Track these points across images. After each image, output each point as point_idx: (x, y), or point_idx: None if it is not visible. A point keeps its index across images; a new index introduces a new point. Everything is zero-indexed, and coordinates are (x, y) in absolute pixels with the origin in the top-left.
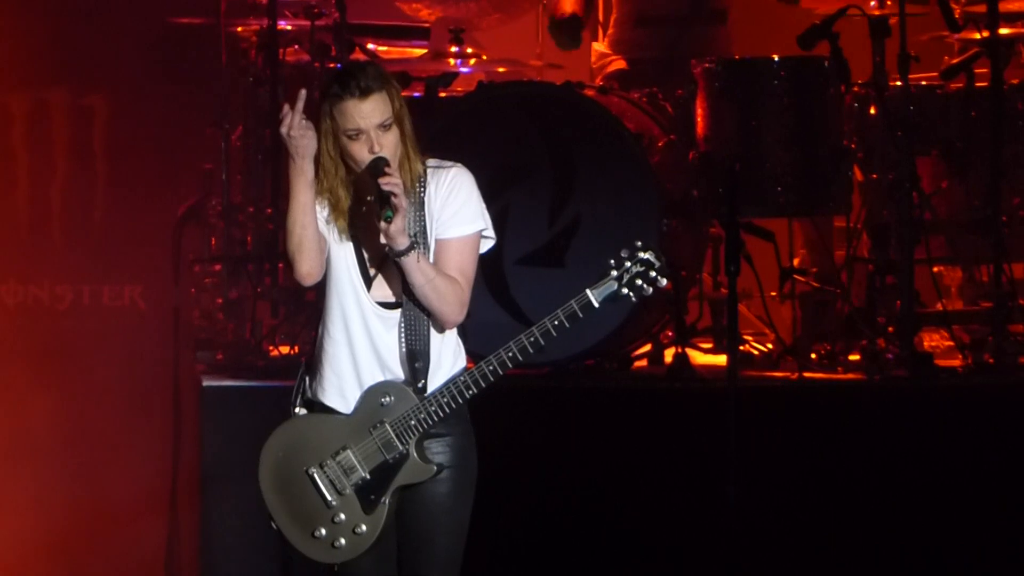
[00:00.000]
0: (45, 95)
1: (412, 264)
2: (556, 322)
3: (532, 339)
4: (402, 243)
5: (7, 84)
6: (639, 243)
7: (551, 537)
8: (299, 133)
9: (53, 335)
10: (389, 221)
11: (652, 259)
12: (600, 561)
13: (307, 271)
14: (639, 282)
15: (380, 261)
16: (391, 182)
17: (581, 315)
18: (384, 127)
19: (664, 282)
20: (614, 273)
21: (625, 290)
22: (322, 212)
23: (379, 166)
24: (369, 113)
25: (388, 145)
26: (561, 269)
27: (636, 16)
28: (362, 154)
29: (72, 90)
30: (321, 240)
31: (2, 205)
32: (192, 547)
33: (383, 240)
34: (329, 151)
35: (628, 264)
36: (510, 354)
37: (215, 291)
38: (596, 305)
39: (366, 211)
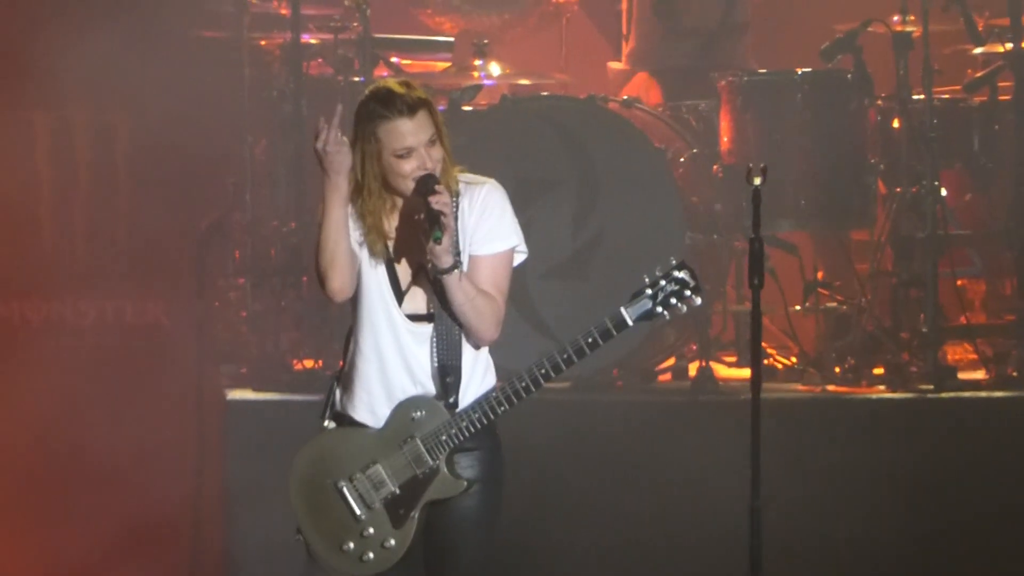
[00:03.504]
0: (68, 112)
1: (454, 282)
2: (590, 339)
3: (565, 356)
4: (447, 262)
5: (30, 101)
6: (674, 261)
7: (575, 550)
8: (335, 148)
9: (76, 352)
10: (439, 241)
11: (687, 278)
12: (621, 573)
13: (339, 287)
14: (673, 300)
15: (413, 275)
16: (441, 201)
17: (615, 333)
18: (432, 142)
19: (699, 301)
20: (649, 291)
21: (659, 308)
22: (356, 231)
23: (429, 184)
24: (418, 130)
25: (436, 159)
26: (584, 282)
27: (666, 29)
28: (411, 169)
29: (95, 107)
30: (353, 256)
31: (26, 222)
32: (216, 562)
33: (429, 258)
34: (373, 172)
35: (663, 282)
36: (543, 371)
37: (239, 305)
38: (631, 323)
39: (403, 226)
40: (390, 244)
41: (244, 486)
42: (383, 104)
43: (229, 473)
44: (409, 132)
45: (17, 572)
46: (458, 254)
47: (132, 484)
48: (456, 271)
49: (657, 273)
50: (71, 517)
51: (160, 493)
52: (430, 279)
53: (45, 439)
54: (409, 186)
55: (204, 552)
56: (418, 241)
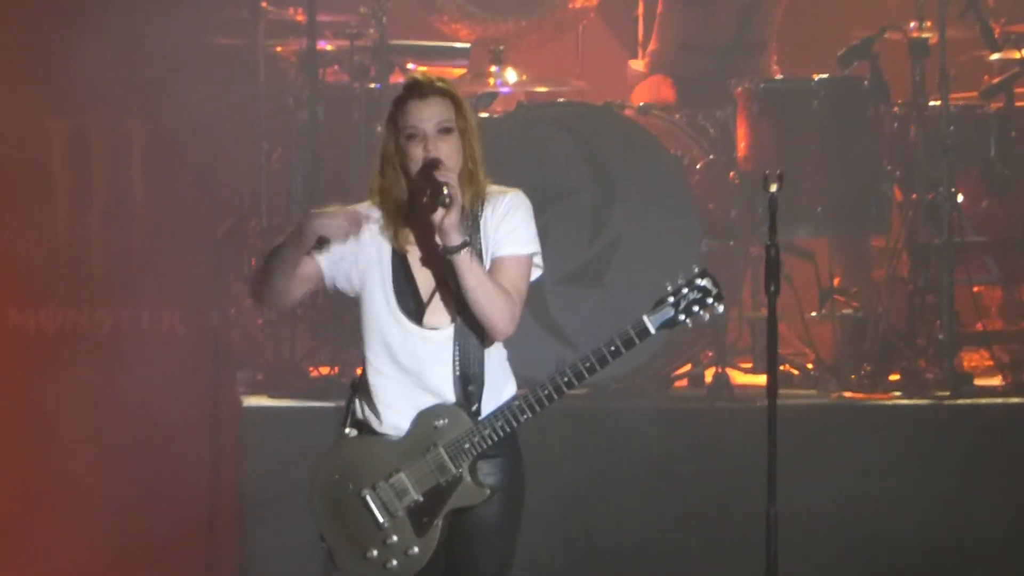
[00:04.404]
0: (84, 119)
1: (465, 263)
2: (612, 348)
3: (588, 365)
4: (456, 239)
5: (46, 110)
6: (696, 268)
7: (592, 555)
8: (348, 224)
9: (92, 360)
10: (447, 206)
11: (709, 286)
12: None
13: (260, 300)
14: (696, 308)
15: (434, 288)
16: (445, 174)
17: (637, 341)
18: (442, 131)
19: (721, 308)
20: (671, 300)
21: (682, 316)
22: (372, 224)
23: (433, 163)
24: (428, 114)
25: (444, 150)
26: (600, 288)
27: (680, 41)
28: (417, 153)
29: (111, 114)
30: (285, 288)
31: (41, 230)
32: (233, 569)
33: (438, 237)
34: (391, 159)
35: (685, 290)
36: (565, 379)
37: (255, 312)
38: (653, 331)
39: (421, 239)
40: (408, 256)
41: (260, 492)
42: (404, 88)
43: (245, 479)
44: (417, 113)
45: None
46: (468, 234)
47: (148, 490)
48: (466, 250)
49: (680, 281)
50: (85, 525)
51: (176, 499)
52: (452, 290)
53: (60, 446)
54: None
55: (220, 557)
56: (436, 253)
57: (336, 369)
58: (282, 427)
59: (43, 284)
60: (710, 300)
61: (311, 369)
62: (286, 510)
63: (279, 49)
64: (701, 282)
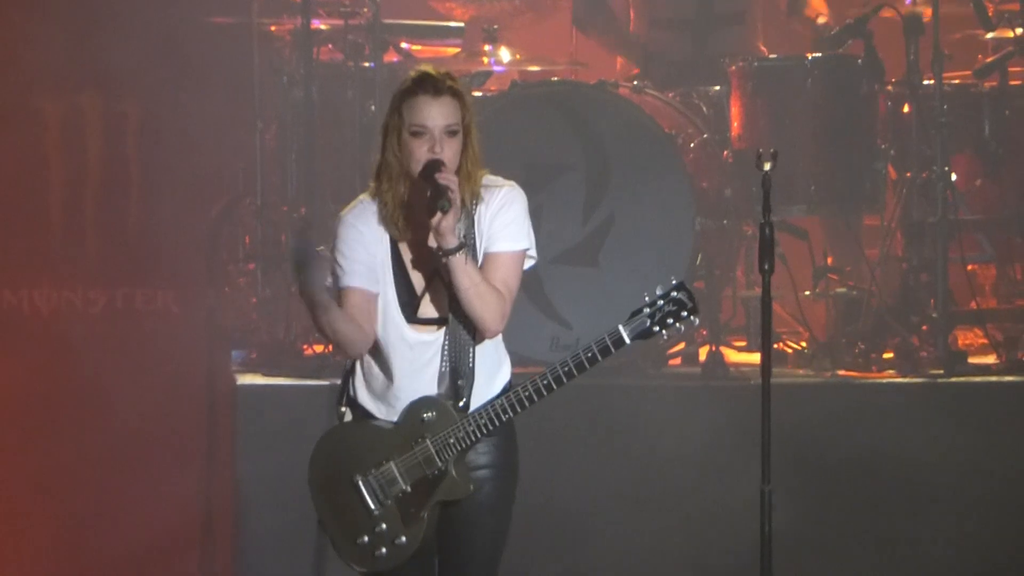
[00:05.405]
0: (78, 99)
1: (459, 265)
2: (589, 355)
3: (566, 369)
4: (451, 242)
5: (40, 90)
6: (674, 281)
7: (585, 533)
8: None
9: (86, 340)
10: (445, 211)
11: (685, 299)
12: (632, 558)
13: (357, 353)
14: (670, 320)
15: (428, 281)
16: (448, 178)
17: (613, 350)
18: (450, 132)
19: (696, 321)
20: (647, 311)
21: (657, 328)
22: (376, 213)
23: (435, 165)
24: (438, 113)
25: (449, 152)
26: (594, 268)
27: (650, 17)
28: (421, 153)
29: (105, 94)
30: (364, 320)
31: (36, 210)
32: (228, 545)
33: (434, 238)
34: (394, 149)
35: (661, 303)
36: (545, 382)
37: (249, 290)
38: (628, 342)
39: (416, 233)
40: (404, 247)
41: (254, 470)
42: (414, 81)
43: (239, 457)
44: (427, 111)
45: (21, 565)
46: (464, 237)
47: (144, 470)
48: (461, 253)
49: (656, 292)
50: (80, 506)
51: (171, 476)
52: (445, 282)
53: (54, 427)
54: (417, 168)
55: (217, 532)
56: (432, 248)
57: (330, 348)
58: (276, 405)
59: (37, 264)
60: (684, 313)
61: (305, 347)
62: (280, 486)
63: (273, 28)
64: (677, 295)
